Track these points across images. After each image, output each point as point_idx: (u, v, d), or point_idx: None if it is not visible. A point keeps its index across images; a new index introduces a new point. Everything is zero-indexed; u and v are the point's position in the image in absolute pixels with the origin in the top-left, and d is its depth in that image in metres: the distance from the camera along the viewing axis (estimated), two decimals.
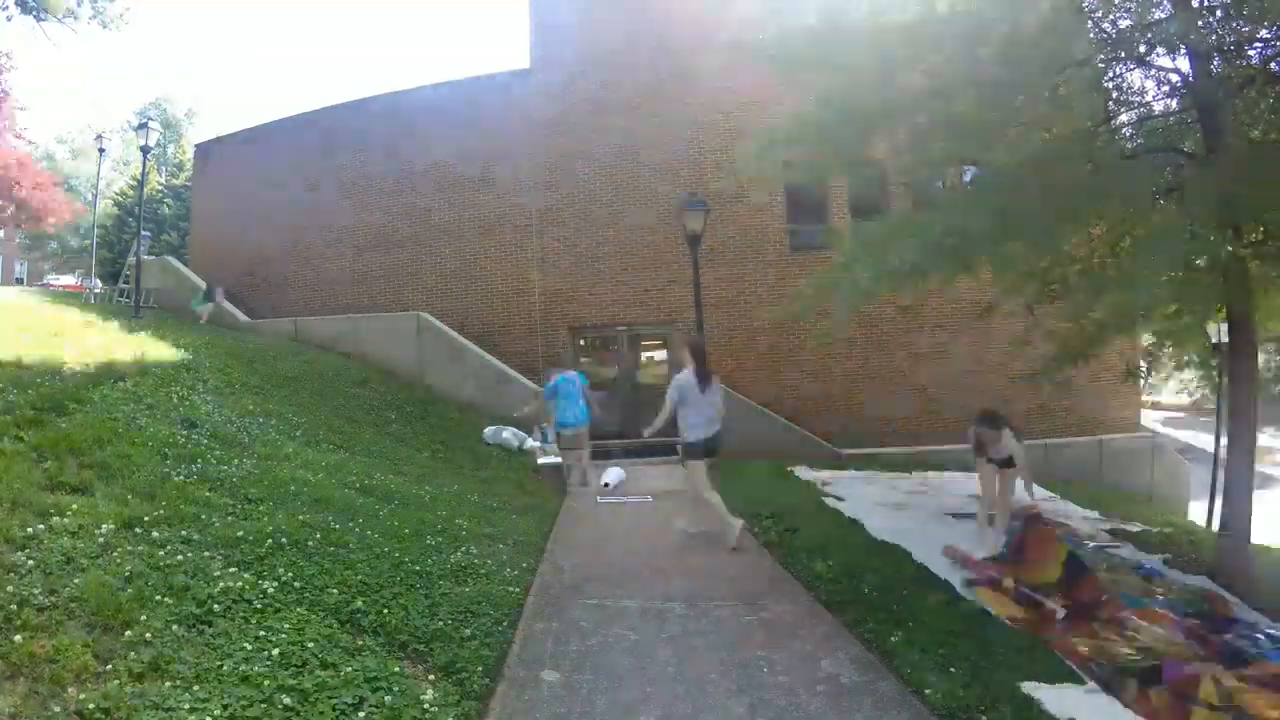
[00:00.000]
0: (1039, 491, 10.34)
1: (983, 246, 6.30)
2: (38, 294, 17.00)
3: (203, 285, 15.41)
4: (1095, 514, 8.84)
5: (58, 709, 2.47)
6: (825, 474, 10.60)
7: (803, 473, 10.61)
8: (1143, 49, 5.98)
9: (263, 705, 2.76)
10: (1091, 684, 3.76)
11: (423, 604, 4.02)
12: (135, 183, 28.93)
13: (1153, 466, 13.78)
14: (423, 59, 75.07)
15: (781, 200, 14.10)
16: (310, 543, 4.31)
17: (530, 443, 10.62)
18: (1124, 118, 6.88)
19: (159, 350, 8.13)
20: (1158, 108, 6.72)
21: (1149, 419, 17.17)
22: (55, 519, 3.57)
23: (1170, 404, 29.78)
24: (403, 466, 7.51)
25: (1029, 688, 3.58)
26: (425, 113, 15.34)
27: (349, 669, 3.14)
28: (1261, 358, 7.37)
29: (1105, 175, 5.85)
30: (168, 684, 2.74)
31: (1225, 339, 6.62)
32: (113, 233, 30.41)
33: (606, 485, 9.31)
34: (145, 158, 15.48)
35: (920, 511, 8.01)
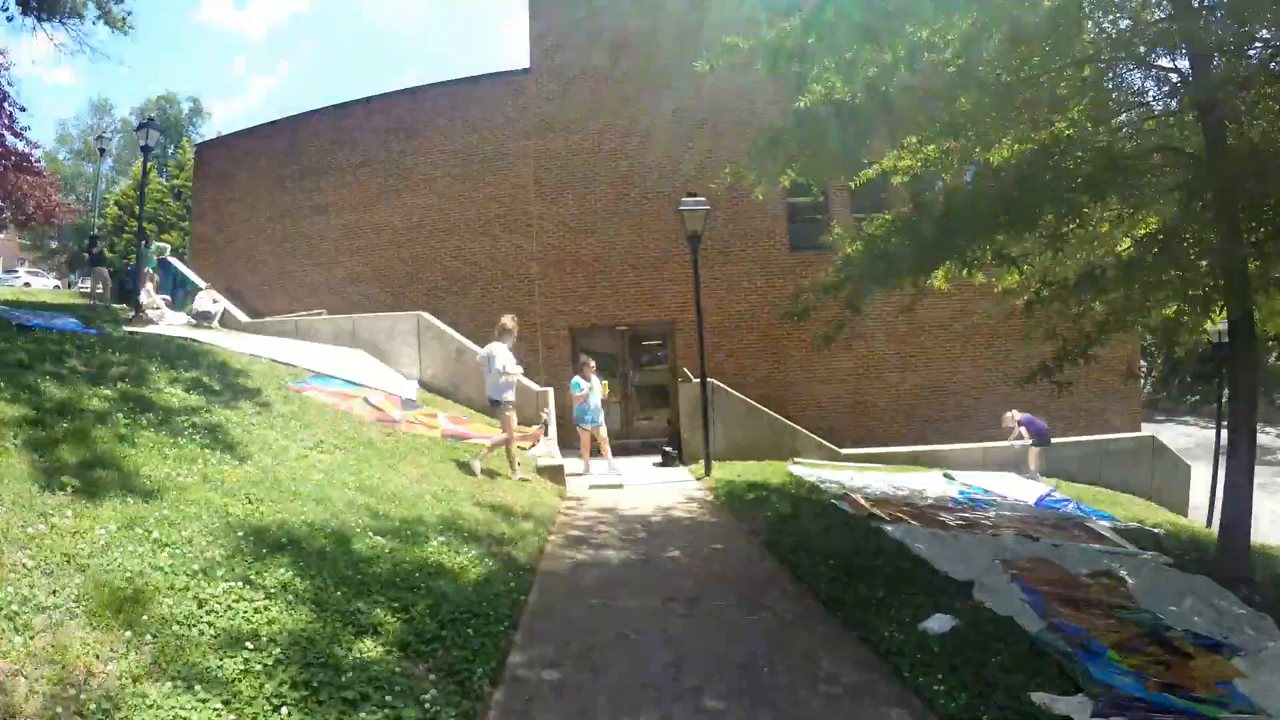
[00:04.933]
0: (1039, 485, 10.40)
1: (984, 246, 6.32)
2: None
3: None
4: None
5: (58, 709, 2.48)
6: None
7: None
8: (1143, 49, 5.99)
9: (265, 705, 2.77)
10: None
11: (424, 603, 4.01)
12: (136, 183, 28.96)
13: (1153, 466, 13.77)
14: (423, 59, 75.05)
15: (782, 199, 14.10)
16: (311, 543, 4.32)
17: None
18: (1124, 117, 6.88)
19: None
20: (1158, 108, 6.73)
21: None
22: (56, 519, 3.57)
23: None
24: (404, 466, 7.51)
25: None
26: (425, 112, 15.36)
27: (350, 669, 3.14)
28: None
29: (1105, 174, 5.86)
30: (168, 684, 2.74)
31: (1226, 339, 6.63)
32: (113, 233, 30.44)
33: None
34: (146, 158, 15.48)
35: None
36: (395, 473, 6.84)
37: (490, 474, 8.09)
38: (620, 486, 9.96)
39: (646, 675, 3.71)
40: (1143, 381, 14.06)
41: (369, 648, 3.39)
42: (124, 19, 9.54)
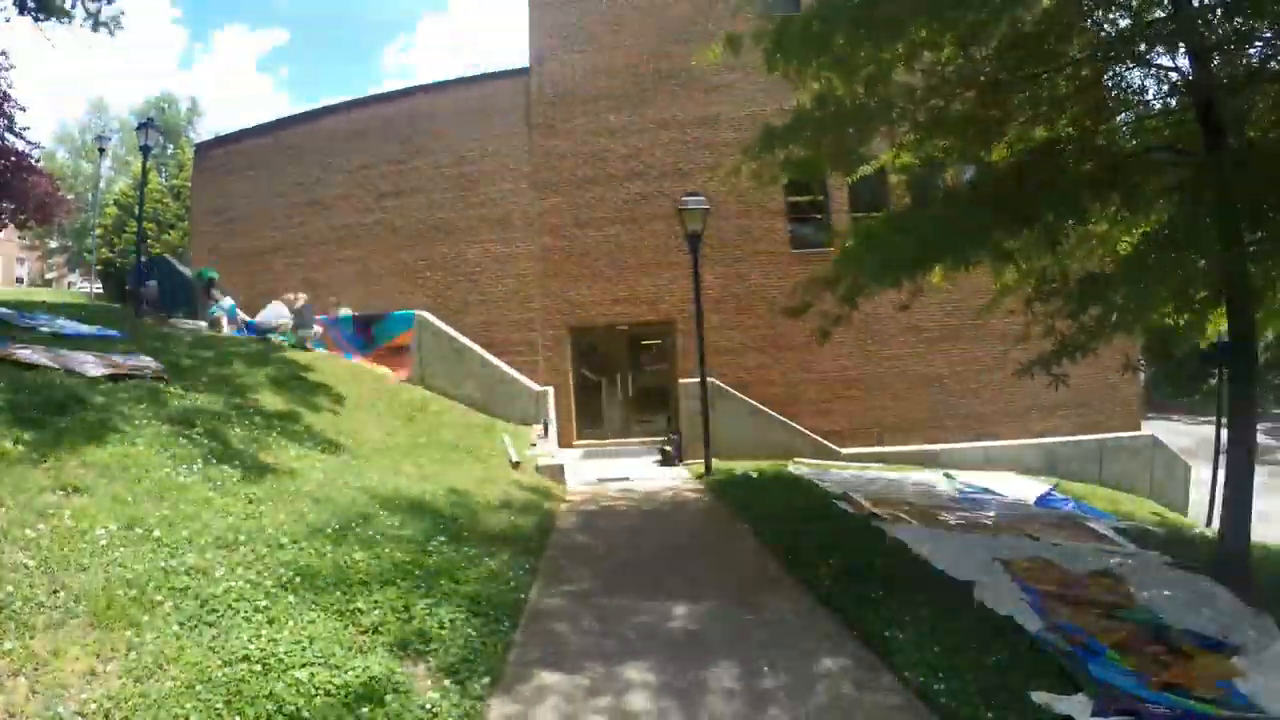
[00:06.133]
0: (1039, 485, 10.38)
1: (982, 242, 6.30)
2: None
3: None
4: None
5: (59, 709, 2.48)
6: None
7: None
8: (1143, 48, 5.98)
9: (266, 705, 2.76)
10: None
11: (425, 603, 4.01)
12: (136, 182, 28.96)
13: (1153, 466, 13.77)
14: (423, 58, 75.07)
15: (782, 198, 14.08)
16: (312, 542, 4.32)
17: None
18: (1123, 116, 6.87)
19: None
20: (1157, 107, 6.71)
21: None
22: (56, 519, 3.57)
23: None
24: (403, 466, 7.52)
25: None
26: (425, 112, 15.35)
27: (352, 669, 3.14)
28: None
29: (1105, 173, 5.86)
30: (169, 684, 2.74)
31: (1226, 339, 6.63)
32: (113, 233, 30.43)
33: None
34: (146, 157, 15.49)
35: None
36: None
37: None
38: (627, 479, 10.10)
39: None
40: (1140, 378, 14.03)
41: (370, 646, 3.41)
42: (113, 20, 9.53)
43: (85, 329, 8.73)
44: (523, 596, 4.76)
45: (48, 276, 41.18)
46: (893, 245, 6.36)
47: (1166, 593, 5.44)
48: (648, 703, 3.43)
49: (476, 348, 13.05)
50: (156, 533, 3.77)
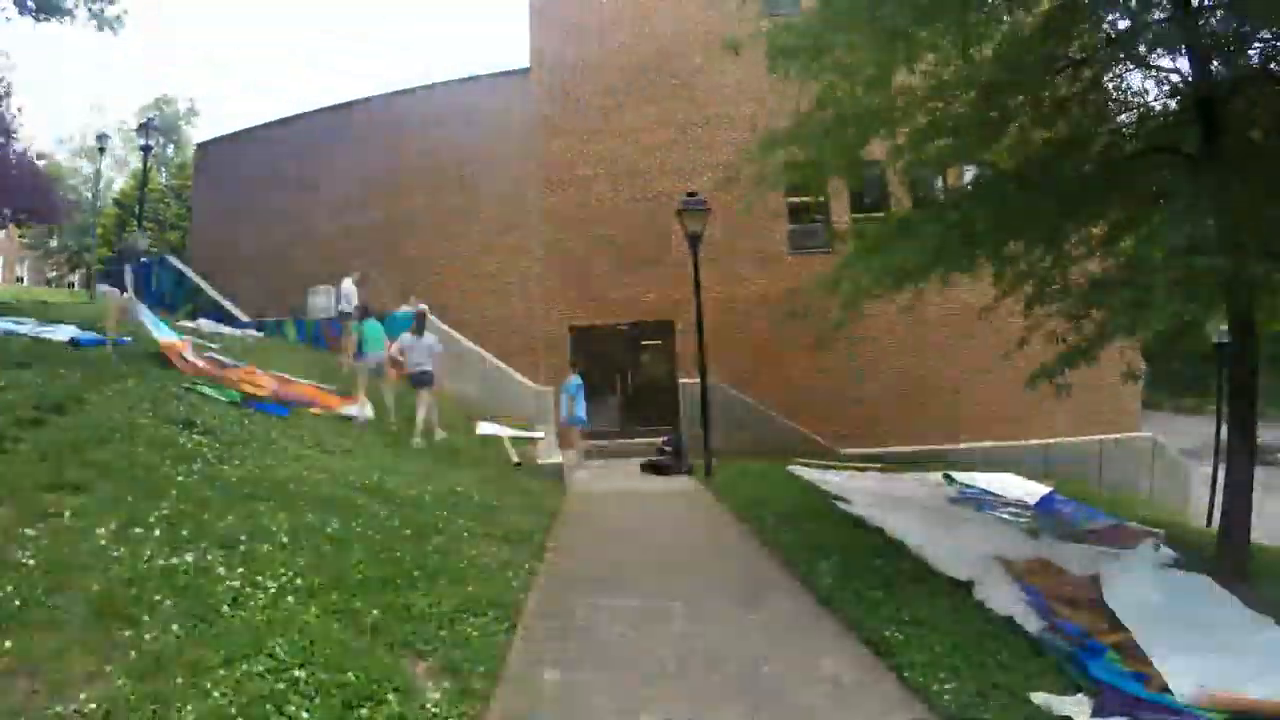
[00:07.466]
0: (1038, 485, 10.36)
1: (983, 245, 6.30)
2: None
3: None
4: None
5: (59, 709, 2.48)
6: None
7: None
8: (1143, 49, 5.98)
9: (265, 705, 2.76)
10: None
11: (424, 603, 4.01)
12: (136, 182, 28.94)
13: (1153, 466, 13.77)
14: (423, 58, 75.07)
15: (782, 199, 14.07)
16: (312, 542, 4.32)
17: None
18: (1124, 118, 6.87)
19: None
20: (1158, 109, 6.71)
21: None
22: (56, 519, 3.58)
23: None
24: (403, 466, 7.51)
25: None
26: (425, 112, 15.35)
27: (351, 668, 3.14)
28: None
29: (1106, 175, 5.86)
30: (169, 684, 2.74)
31: (1226, 339, 6.63)
32: (113, 232, 30.42)
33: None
34: (146, 157, 15.53)
35: None
36: None
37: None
38: (628, 479, 10.13)
39: None
40: (1140, 381, 14.00)
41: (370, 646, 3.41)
42: (116, 18, 9.55)
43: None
44: (523, 597, 4.76)
45: (48, 276, 41.14)
46: (894, 251, 6.36)
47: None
48: None
49: (476, 348, 13.06)
50: (156, 532, 3.77)
